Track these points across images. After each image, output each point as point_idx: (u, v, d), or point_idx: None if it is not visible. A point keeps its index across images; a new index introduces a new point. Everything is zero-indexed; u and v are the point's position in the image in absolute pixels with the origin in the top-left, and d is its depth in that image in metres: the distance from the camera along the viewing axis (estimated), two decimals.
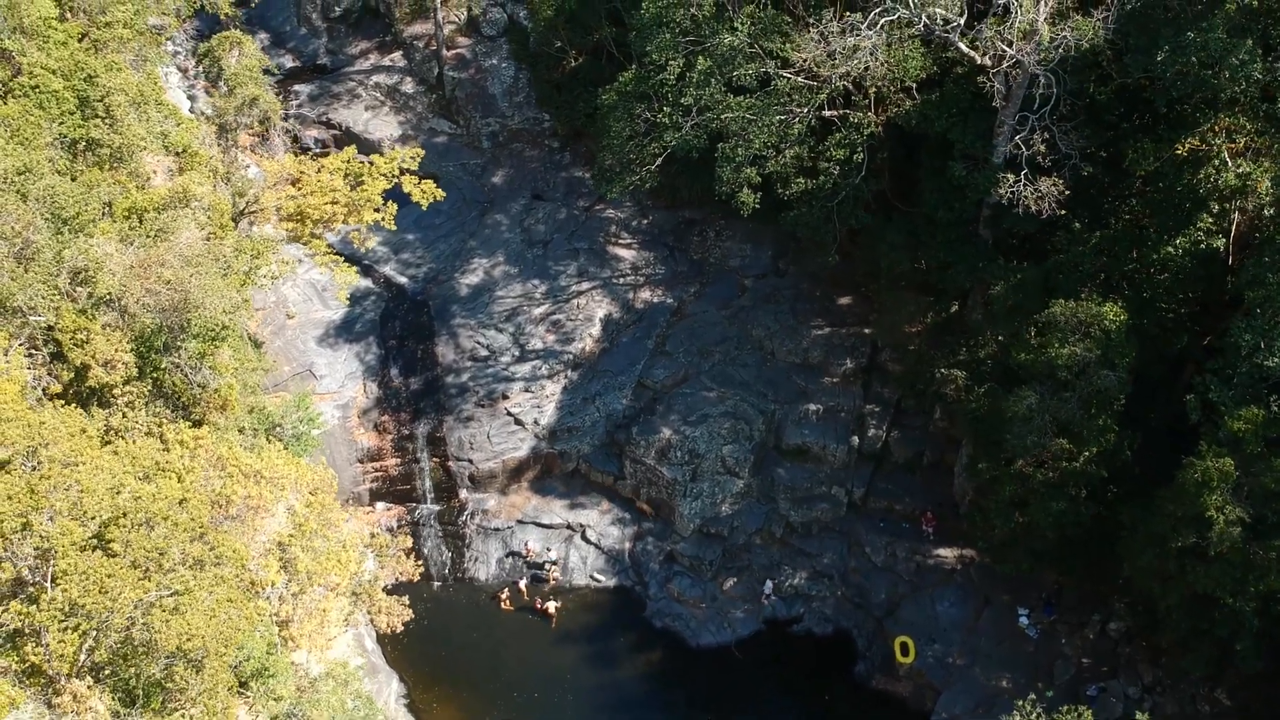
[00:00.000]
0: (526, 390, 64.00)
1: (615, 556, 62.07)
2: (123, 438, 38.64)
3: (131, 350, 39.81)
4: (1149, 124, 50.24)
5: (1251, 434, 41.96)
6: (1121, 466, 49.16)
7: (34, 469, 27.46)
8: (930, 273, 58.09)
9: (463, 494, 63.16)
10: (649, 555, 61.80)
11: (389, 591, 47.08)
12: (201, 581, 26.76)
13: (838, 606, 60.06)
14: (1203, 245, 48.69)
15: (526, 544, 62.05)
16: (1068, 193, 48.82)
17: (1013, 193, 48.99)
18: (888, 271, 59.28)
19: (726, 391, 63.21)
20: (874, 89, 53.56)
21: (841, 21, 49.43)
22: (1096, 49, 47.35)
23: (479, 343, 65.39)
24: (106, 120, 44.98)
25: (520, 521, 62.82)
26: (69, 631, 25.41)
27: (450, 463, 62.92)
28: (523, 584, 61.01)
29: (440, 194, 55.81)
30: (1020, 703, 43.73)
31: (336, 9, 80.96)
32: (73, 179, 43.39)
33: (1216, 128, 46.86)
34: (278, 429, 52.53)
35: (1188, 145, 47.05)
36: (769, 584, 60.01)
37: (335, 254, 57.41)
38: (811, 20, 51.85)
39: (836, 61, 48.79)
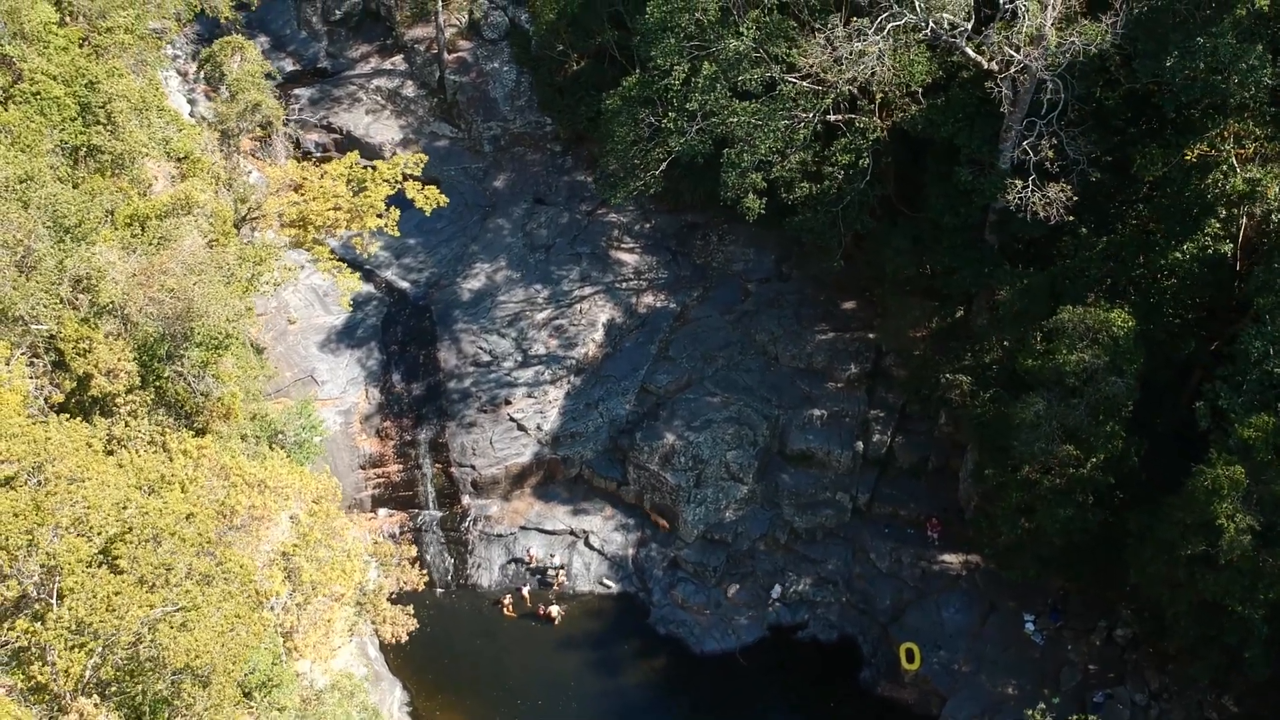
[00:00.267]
0: (529, 396, 63.72)
1: (618, 562, 61.81)
2: (125, 447, 38.30)
3: (134, 359, 39.47)
4: (1156, 129, 50.02)
5: (1262, 441, 41.76)
6: (1128, 472, 48.97)
7: (40, 484, 27.14)
8: (935, 277, 57.85)
9: (465, 500, 62.87)
10: (652, 561, 61.54)
11: (393, 600, 46.78)
12: (209, 597, 26.47)
13: (842, 613, 59.81)
14: (1210, 250, 48.49)
15: (529, 550, 61.77)
16: (1076, 199, 48.57)
17: (1020, 199, 48.72)
18: (892, 276, 59.05)
19: (730, 397, 62.96)
20: (880, 94, 53.28)
21: (848, 27, 49.14)
22: (1104, 54, 47.10)
23: (481, 348, 65.11)
24: (108, 127, 44.64)
25: (523, 528, 62.53)
26: (76, 650, 25.11)
27: (453, 468, 62.64)
28: (526, 590, 60.71)
29: (444, 200, 55.53)
30: (1030, 712, 43.60)
31: (337, 12, 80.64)
32: (74, 186, 43.05)
33: (1225, 133, 46.66)
34: (280, 436, 52.18)
35: (1196, 151, 46.78)
36: (777, 588, 59.80)
37: (337, 259, 57.15)
38: (817, 25, 51.60)
39: (843, 67, 48.51)
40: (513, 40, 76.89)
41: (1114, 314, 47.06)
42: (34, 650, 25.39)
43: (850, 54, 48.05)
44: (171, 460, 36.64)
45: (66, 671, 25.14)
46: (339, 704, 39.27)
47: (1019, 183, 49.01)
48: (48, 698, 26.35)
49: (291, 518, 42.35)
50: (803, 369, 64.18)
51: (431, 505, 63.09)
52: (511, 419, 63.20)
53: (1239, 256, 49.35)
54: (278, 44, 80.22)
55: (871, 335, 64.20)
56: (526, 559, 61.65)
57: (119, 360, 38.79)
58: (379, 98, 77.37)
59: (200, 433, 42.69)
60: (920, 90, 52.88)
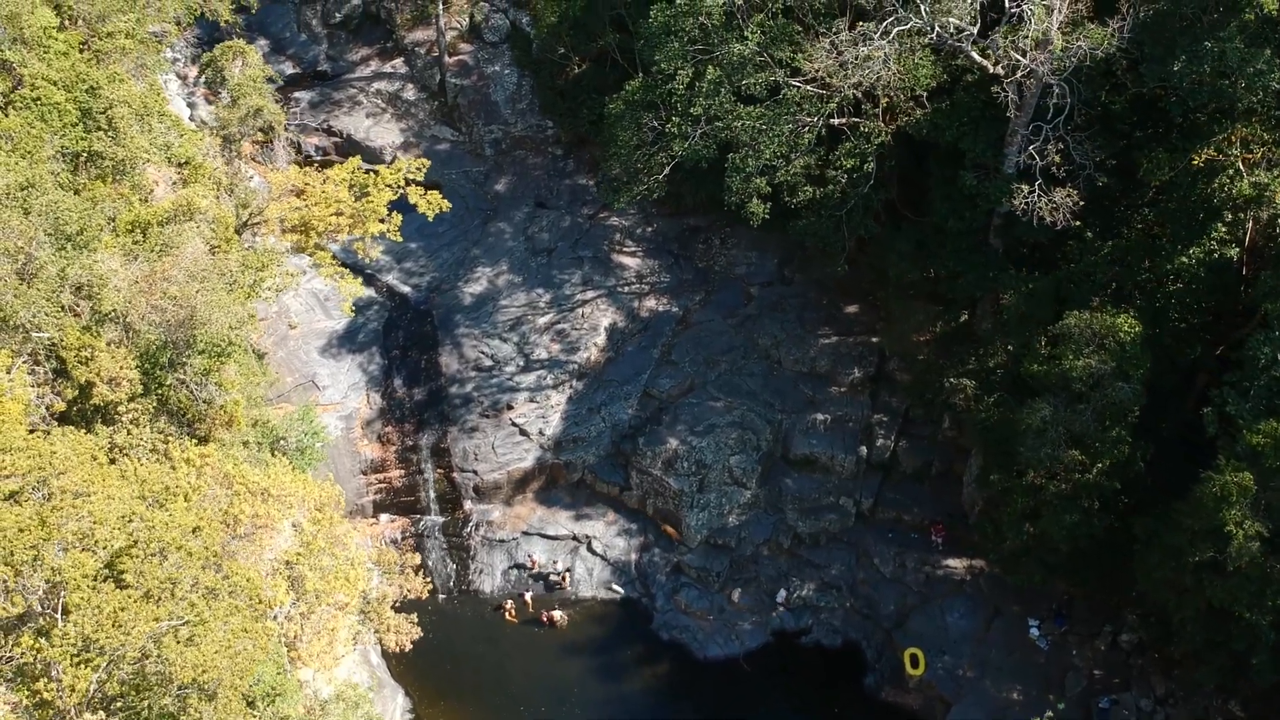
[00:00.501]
0: (531, 400, 63.49)
1: (621, 568, 61.57)
2: (128, 456, 38.09)
3: (136, 367, 39.27)
4: (1163, 133, 49.85)
5: (1270, 448, 41.59)
6: (1134, 477, 48.84)
7: (45, 499, 26.87)
8: (939, 282, 57.68)
9: (467, 505, 62.60)
10: (656, 566, 61.30)
11: (396, 608, 46.57)
12: (216, 611, 26.22)
13: (846, 618, 59.58)
14: (1216, 255, 48.36)
15: (531, 555, 61.52)
16: (1082, 203, 48.39)
17: (1027, 203, 48.52)
18: (896, 280, 58.88)
19: (733, 401, 62.73)
20: (885, 99, 53.07)
21: (854, 32, 48.92)
22: (1111, 58, 46.91)
23: (483, 352, 64.85)
24: (109, 133, 44.37)
25: (525, 533, 62.26)
26: (82, 666, 24.85)
27: (455, 474, 62.37)
28: (528, 596, 60.45)
29: (446, 205, 55.37)
30: (1036, 719, 43.43)
31: (337, 15, 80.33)
32: (75, 192, 42.79)
33: (1232, 138, 46.48)
34: (282, 442, 51.96)
35: (1203, 155, 46.60)
36: (782, 593, 59.55)
37: (339, 264, 56.86)
38: (822, 29, 51.37)
39: (848, 71, 48.30)
40: (514, 43, 76.59)
41: (1121, 319, 46.90)
42: (39, 666, 25.12)
43: (856, 58, 47.80)
44: (174, 469, 36.43)
45: (72, 688, 24.89)
46: (344, 715, 39.03)
47: (1025, 187, 48.80)
48: (52, 714, 26.10)
49: (294, 525, 42.15)
50: (806, 373, 63.96)
51: (433, 510, 62.81)
52: (513, 424, 62.94)
53: (1245, 261, 49.18)
54: (277, 47, 79.85)
55: (875, 339, 64.00)
56: (529, 564, 61.40)
57: (121, 368, 38.61)
58: (379, 101, 77.08)
59: (202, 440, 42.49)
60: (925, 94, 52.67)
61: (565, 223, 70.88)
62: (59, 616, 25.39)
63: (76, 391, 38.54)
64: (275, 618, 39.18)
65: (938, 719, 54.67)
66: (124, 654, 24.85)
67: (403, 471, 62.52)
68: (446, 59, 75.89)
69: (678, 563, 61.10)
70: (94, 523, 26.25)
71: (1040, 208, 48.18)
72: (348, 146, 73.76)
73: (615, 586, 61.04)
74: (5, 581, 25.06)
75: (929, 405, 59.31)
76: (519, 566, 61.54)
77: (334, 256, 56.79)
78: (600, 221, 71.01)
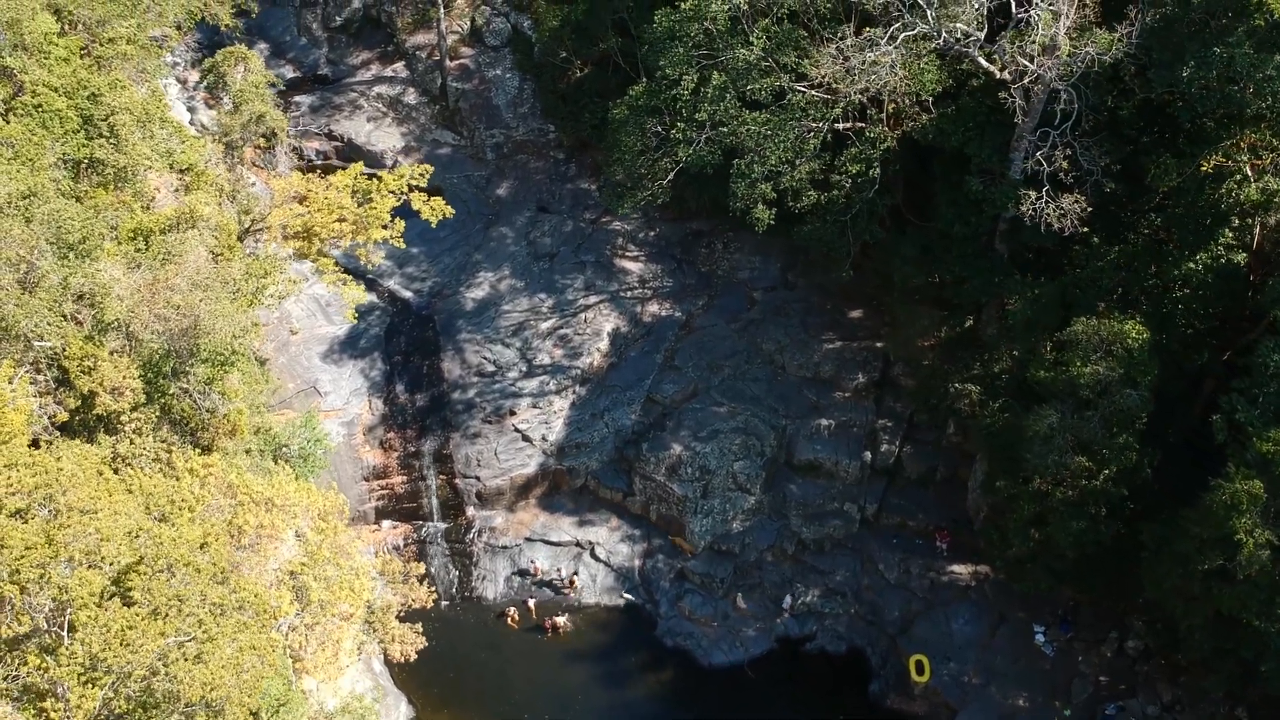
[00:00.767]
0: (534, 406, 63.21)
1: (625, 574, 61.32)
2: (131, 465, 37.81)
3: (139, 376, 38.97)
4: (1170, 139, 49.62)
5: None
6: (1141, 484, 48.61)
7: (52, 515, 26.58)
8: (944, 287, 57.47)
9: (470, 511, 62.33)
10: (659, 573, 61.06)
11: (400, 617, 46.32)
12: (224, 628, 25.93)
13: (851, 624, 59.36)
14: (1224, 260, 48.14)
15: (534, 562, 61.27)
16: (1090, 209, 48.16)
17: (1034, 209, 48.28)
18: (901, 285, 58.61)
19: (737, 406, 62.48)
20: (891, 104, 52.83)
21: (860, 37, 48.66)
22: (1118, 63, 46.68)
23: (485, 358, 64.57)
24: (111, 140, 44.06)
25: (528, 539, 62.03)
26: (89, 685, 24.56)
27: (457, 480, 62.10)
28: (531, 603, 60.14)
29: (450, 210, 55.08)
30: None
31: (337, 19, 79.99)
32: (77, 200, 42.49)
33: (1241, 143, 46.23)
34: (284, 450, 51.67)
35: (1211, 161, 46.38)
36: (788, 599, 59.27)
37: (341, 270, 56.56)
38: (827, 35, 51.12)
39: (855, 77, 48.05)
40: (515, 47, 76.25)
41: (1128, 326, 46.67)
42: (46, 685, 24.83)
43: (863, 64, 47.54)
44: (178, 480, 36.16)
45: (79, 707, 24.60)
46: None
47: (1032, 193, 48.56)
48: None
49: (297, 534, 41.91)
50: (810, 378, 63.72)
51: (436, 517, 62.55)
52: (516, 430, 62.68)
53: (1253, 266, 48.98)
54: (277, 51, 79.49)
55: (879, 344, 63.77)
56: (532, 571, 61.15)
57: (124, 377, 38.34)
58: (380, 105, 76.75)
59: (206, 449, 42.24)
60: (930, 99, 52.45)
61: (567, 227, 70.63)
62: (64, 634, 25.08)
63: (79, 401, 38.26)
64: (280, 629, 38.94)
65: None
66: (131, 672, 24.56)
67: (405, 477, 62.25)
68: (448, 63, 75.57)
69: (681, 569, 60.86)
70: (101, 539, 25.95)
71: (1048, 214, 47.91)
72: (348, 151, 73.46)
73: (618, 593, 60.77)
74: (12, 600, 24.78)
75: (934, 411, 59.06)
76: (522, 573, 61.29)
77: (336, 263, 56.49)
78: (602, 226, 70.74)
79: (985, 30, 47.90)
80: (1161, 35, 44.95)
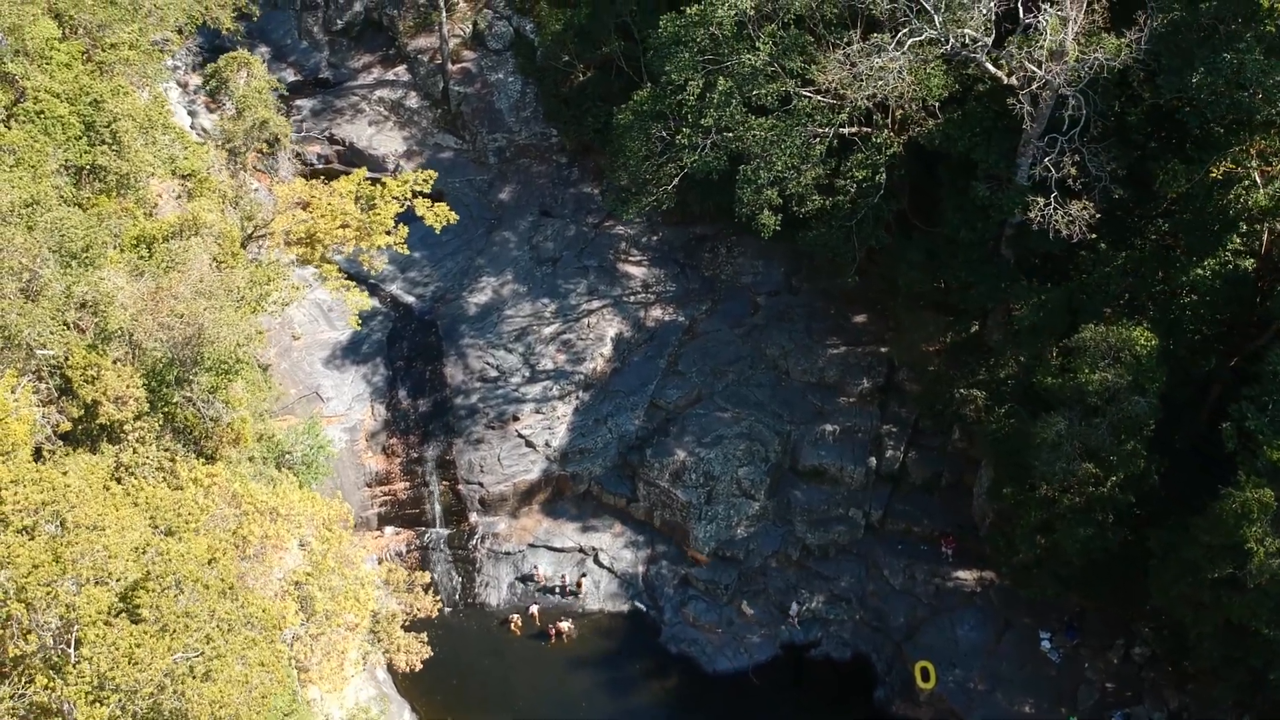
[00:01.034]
0: (537, 411, 62.94)
1: (629, 580, 61.08)
2: (134, 475, 37.51)
3: (142, 385, 38.67)
4: (1179, 145, 49.41)
5: None
6: (1148, 490, 48.44)
7: (60, 532, 26.29)
8: (950, 292, 57.22)
9: (473, 517, 62.07)
10: (663, 579, 60.82)
11: (405, 626, 46.03)
12: (233, 644, 25.65)
13: (856, 630, 59.13)
14: (1231, 266, 47.93)
15: (537, 568, 61.01)
16: (1098, 215, 47.95)
17: (1042, 215, 48.05)
18: (906, 290, 58.37)
19: (741, 412, 62.23)
20: (898, 110, 52.60)
21: (867, 42, 48.41)
22: (1127, 69, 46.46)
23: (488, 363, 64.30)
24: (114, 146, 43.76)
25: (531, 545, 61.77)
26: (97, 704, 24.27)
27: (460, 486, 61.83)
28: (535, 609, 59.86)
29: (454, 217, 54.72)
30: None
31: (339, 22, 79.74)
32: (79, 207, 42.19)
33: (1250, 150, 46.02)
34: (287, 456, 51.38)
35: (1220, 168, 46.17)
36: (794, 606, 59.03)
37: (344, 275, 56.23)
38: (833, 40, 50.87)
39: (861, 82, 47.81)
40: (517, 51, 75.97)
41: (1136, 332, 46.46)
42: (53, 704, 24.55)
43: (870, 69, 47.30)
44: (182, 489, 35.87)
45: None
46: None
47: (1040, 199, 48.34)
48: None
49: (302, 543, 41.63)
50: (814, 383, 63.48)
51: (438, 523, 62.27)
52: (519, 435, 62.41)
53: (1261, 273, 48.78)
54: (279, 54, 79.26)
55: (884, 349, 63.54)
56: (535, 577, 60.89)
57: (127, 386, 38.04)
58: (382, 109, 76.47)
59: (209, 458, 41.94)
60: (936, 104, 52.22)
61: (570, 231, 70.36)
62: (71, 651, 24.79)
63: (82, 410, 37.94)
64: (285, 639, 38.66)
65: None
66: (139, 690, 24.29)
67: (408, 484, 61.95)
68: (450, 66, 75.31)
69: (686, 575, 60.62)
70: (108, 556, 25.67)
71: (1055, 220, 47.69)
72: (350, 155, 73.19)
73: (622, 599, 60.50)
74: (19, 618, 24.50)
75: (939, 416, 58.85)
76: (525, 579, 61.04)
77: (339, 268, 56.20)
78: (605, 230, 70.49)
79: (993, 35, 47.65)
80: (1170, 41, 44.72)
